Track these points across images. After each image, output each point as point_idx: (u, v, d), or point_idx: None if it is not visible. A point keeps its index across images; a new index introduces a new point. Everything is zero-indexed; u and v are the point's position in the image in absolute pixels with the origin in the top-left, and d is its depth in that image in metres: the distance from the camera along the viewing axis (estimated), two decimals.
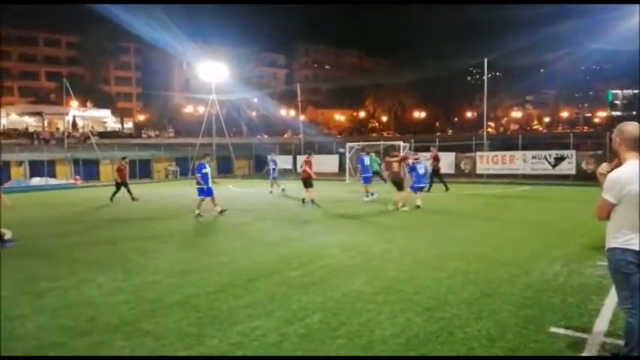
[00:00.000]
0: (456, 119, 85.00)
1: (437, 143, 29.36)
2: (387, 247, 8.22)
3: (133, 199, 17.96)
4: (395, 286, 5.76)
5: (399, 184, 13.53)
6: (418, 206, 13.23)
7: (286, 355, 4.01)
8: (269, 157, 21.60)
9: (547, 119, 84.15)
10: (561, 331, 4.27)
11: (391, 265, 6.83)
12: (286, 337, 4.27)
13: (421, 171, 13.93)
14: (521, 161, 24.66)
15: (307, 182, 15.09)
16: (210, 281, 6.16)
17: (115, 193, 18.10)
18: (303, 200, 15.22)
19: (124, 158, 19.66)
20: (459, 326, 4.41)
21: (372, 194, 15.93)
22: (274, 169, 20.19)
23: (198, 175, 12.99)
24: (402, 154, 16.74)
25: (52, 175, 30.92)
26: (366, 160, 16.96)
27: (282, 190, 19.89)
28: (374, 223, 10.91)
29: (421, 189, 14.16)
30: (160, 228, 11.20)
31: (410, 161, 13.98)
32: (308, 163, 15.36)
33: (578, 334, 4.19)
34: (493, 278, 5.98)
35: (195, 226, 11.62)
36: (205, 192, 12.98)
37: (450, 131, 74.34)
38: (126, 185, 18.49)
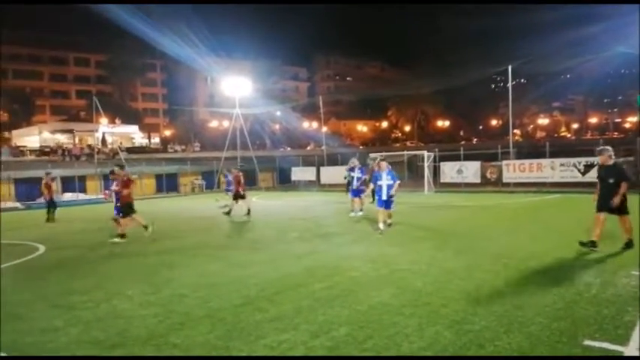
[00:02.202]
0: (480, 127, 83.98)
1: (462, 152, 29.13)
2: (412, 258, 8.13)
3: (50, 219, 17.14)
4: (421, 298, 5.69)
5: (130, 209, 11.83)
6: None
7: (287, 355, 4.04)
8: (225, 171, 22.79)
9: (575, 125, 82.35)
10: (596, 344, 4.14)
11: (417, 276, 6.75)
12: (313, 350, 4.26)
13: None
14: (549, 169, 24.15)
15: (239, 195, 16.15)
16: (237, 294, 6.20)
17: (48, 212, 17.37)
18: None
19: (48, 174, 18.51)
20: (489, 339, 4.32)
21: (359, 210, 14.84)
22: (229, 182, 20.82)
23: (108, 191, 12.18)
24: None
25: (83, 190, 31.79)
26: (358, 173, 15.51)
27: (223, 205, 19.54)
28: (398, 235, 10.81)
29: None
30: (186, 241, 11.34)
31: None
32: (239, 177, 16.37)
33: (613, 347, 4.06)
34: (523, 289, 5.85)
35: (220, 239, 11.73)
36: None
37: (475, 140, 73.45)
38: (53, 203, 17.65)
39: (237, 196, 16.27)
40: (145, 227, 11.83)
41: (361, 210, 14.88)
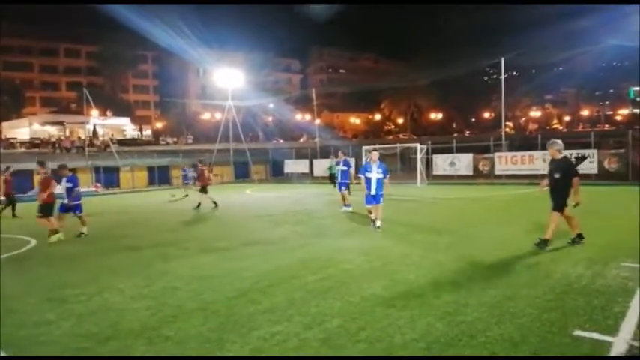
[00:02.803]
0: (473, 120, 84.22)
1: (454, 144, 29.22)
2: (405, 250, 8.18)
3: (14, 216, 15.93)
4: (414, 290, 5.73)
5: (49, 210, 10.87)
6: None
7: (286, 356, 4.05)
8: (183, 167, 23.56)
9: (567, 118, 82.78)
10: (586, 334, 4.19)
11: (410, 268, 6.78)
12: (306, 342, 4.28)
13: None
14: (541, 161, 24.26)
15: (204, 189, 16.82)
16: (230, 286, 6.20)
17: (5, 207, 16.17)
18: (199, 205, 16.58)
19: (7, 169, 17.34)
20: (481, 330, 4.36)
21: (347, 205, 14.13)
22: (186, 176, 21.87)
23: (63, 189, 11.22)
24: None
25: None
26: (351, 164, 15.71)
27: (185, 196, 21.09)
28: (391, 227, 10.84)
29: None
30: (178, 234, 11.32)
31: None
32: (203, 171, 17.30)
33: (603, 337, 4.11)
34: (514, 281, 5.91)
35: (214, 232, 11.71)
36: (64, 208, 11.24)
37: (468, 132, 73.67)
38: (13, 200, 16.37)
39: (204, 189, 16.77)
40: (55, 231, 10.68)
41: (347, 205, 14.27)
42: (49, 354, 4.32)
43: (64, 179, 11.48)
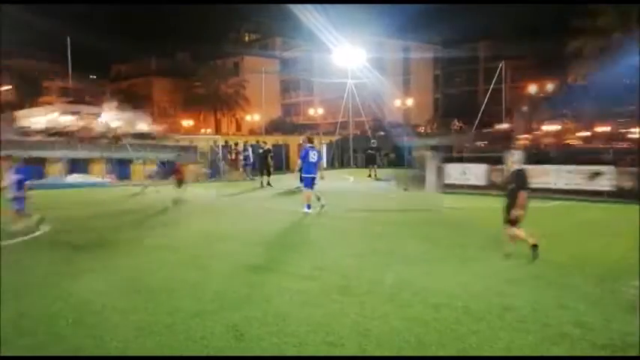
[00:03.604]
0: (488, 131, 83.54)
1: (467, 154, 28.97)
2: (406, 252, 8.10)
3: None
4: (414, 295, 5.66)
5: None
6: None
7: (286, 355, 4.03)
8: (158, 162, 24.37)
9: (583, 133, 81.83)
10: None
11: (411, 270, 6.70)
12: (306, 346, 4.25)
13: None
14: (556, 175, 23.93)
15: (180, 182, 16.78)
16: (230, 290, 6.12)
17: None
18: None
19: None
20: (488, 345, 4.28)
21: (323, 204, 12.94)
22: (157, 172, 22.74)
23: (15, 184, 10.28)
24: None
25: (87, 172, 31.94)
26: (312, 155, 12.98)
27: (145, 187, 21.55)
28: (389, 226, 10.71)
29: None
30: (180, 233, 11.07)
31: None
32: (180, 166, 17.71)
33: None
34: (519, 292, 5.81)
35: (213, 231, 11.65)
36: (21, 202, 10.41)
37: (482, 143, 73.16)
38: None
39: (180, 183, 16.78)
40: None
41: (322, 204, 13.27)
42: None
43: (11, 170, 10.53)
